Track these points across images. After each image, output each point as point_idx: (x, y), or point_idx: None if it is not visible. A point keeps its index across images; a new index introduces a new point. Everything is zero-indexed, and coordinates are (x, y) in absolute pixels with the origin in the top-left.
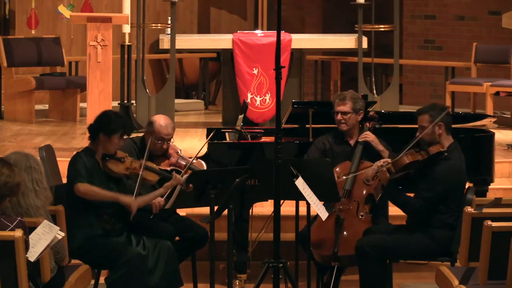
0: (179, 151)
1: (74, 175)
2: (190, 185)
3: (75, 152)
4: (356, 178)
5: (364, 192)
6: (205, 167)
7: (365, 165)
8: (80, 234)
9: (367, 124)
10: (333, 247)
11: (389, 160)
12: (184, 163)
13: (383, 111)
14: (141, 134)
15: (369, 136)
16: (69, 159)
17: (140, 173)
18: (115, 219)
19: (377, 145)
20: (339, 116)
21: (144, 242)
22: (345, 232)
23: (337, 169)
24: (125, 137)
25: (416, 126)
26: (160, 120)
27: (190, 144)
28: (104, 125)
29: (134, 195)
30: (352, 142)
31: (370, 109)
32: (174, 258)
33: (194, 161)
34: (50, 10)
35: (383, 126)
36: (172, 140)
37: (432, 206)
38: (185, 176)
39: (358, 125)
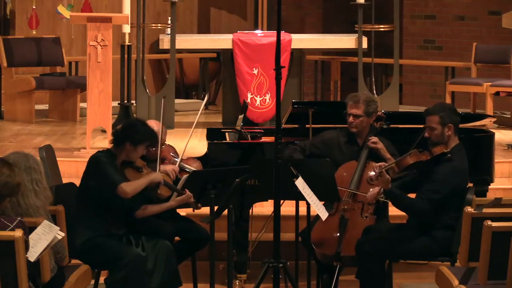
0: (173, 153)
1: (113, 178)
2: (199, 204)
3: (95, 152)
4: (361, 178)
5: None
6: (200, 166)
7: (372, 166)
8: (84, 234)
9: (375, 124)
10: (336, 247)
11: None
12: (180, 164)
13: (383, 111)
14: None
15: (378, 143)
16: (69, 159)
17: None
18: (120, 224)
19: (384, 153)
20: (351, 119)
21: (143, 243)
22: (348, 233)
23: (343, 168)
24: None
25: (417, 126)
26: (152, 126)
27: (190, 144)
28: (132, 135)
29: None
30: (360, 142)
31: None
32: (173, 258)
33: (188, 162)
34: (50, 10)
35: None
36: (165, 143)
37: (436, 208)
38: (184, 177)
39: (368, 125)
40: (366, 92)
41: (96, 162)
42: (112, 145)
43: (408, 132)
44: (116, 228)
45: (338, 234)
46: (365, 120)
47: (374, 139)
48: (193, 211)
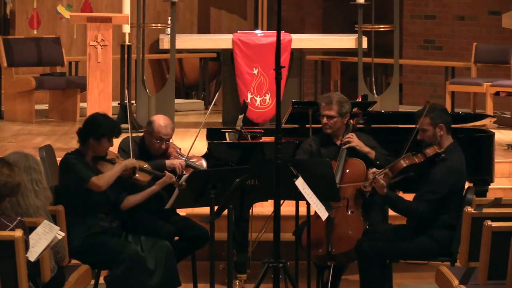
0: (178, 150)
1: (82, 174)
2: (183, 183)
3: (63, 154)
4: (343, 175)
5: (352, 189)
6: (205, 165)
7: (352, 162)
8: (78, 233)
9: (352, 121)
10: (327, 247)
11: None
12: (185, 162)
13: (383, 111)
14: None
15: (352, 140)
16: None
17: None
18: (112, 217)
19: (362, 148)
20: (324, 120)
21: (141, 243)
22: (337, 230)
23: None
24: (114, 139)
25: (413, 126)
26: (160, 120)
27: (190, 144)
28: (93, 130)
29: None
30: (338, 142)
31: (368, 108)
32: (172, 258)
33: (192, 159)
34: (51, 10)
35: (384, 126)
36: (171, 139)
37: (435, 208)
38: (184, 176)
39: (344, 125)
40: (338, 92)
41: (64, 164)
42: (79, 144)
43: (402, 132)
44: (108, 222)
45: (326, 234)
46: (339, 121)
47: (347, 136)
48: (178, 188)
